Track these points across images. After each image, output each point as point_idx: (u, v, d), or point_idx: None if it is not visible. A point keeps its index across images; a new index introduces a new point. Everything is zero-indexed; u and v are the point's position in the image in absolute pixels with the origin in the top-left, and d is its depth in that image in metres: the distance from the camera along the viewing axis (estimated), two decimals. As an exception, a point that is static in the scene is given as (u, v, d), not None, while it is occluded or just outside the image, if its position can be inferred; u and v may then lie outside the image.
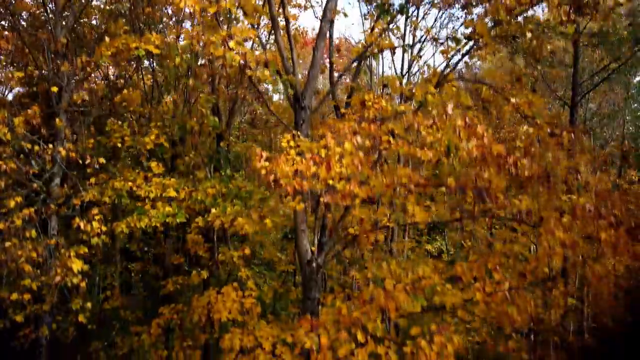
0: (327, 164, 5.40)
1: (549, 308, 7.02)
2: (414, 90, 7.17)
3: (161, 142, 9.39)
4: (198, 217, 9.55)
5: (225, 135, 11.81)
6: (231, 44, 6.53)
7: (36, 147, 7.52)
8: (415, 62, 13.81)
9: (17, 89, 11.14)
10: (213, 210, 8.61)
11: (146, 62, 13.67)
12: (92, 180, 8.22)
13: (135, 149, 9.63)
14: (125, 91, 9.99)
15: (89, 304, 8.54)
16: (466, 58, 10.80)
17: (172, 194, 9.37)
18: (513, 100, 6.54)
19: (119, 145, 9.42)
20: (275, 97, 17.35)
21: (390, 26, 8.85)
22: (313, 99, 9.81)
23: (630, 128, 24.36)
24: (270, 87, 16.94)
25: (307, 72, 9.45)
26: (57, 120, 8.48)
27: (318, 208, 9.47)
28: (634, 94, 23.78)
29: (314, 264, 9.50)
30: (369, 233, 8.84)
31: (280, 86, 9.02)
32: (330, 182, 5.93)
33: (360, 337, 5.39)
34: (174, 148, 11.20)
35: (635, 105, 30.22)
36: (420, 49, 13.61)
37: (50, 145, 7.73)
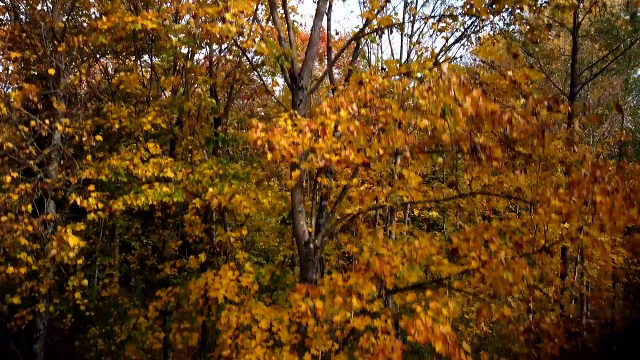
0: (323, 130, 5.39)
1: (546, 279, 7.00)
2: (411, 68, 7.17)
3: (159, 122, 9.37)
4: (195, 199, 9.54)
5: (223, 120, 11.80)
6: (227, 15, 6.52)
7: (32, 122, 7.50)
8: (413, 49, 13.81)
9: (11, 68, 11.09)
10: (210, 190, 8.59)
11: (146, 57, 13.73)
12: (89, 157, 8.20)
13: (132, 129, 9.59)
14: (122, 73, 9.98)
15: (85, 281, 8.51)
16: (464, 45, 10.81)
17: (170, 174, 9.36)
18: (510, 73, 6.52)
19: (116, 126, 9.40)
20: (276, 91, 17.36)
21: (389, 5, 8.83)
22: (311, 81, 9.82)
23: (629, 119, 24.37)
24: (269, 79, 16.99)
25: (304, 53, 9.46)
26: (53, 99, 8.46)
27: (315, 189, 9.47)
28: (631, 85, 23.80)
29: (312, 245, 9.49)
30: (367, 212, 8.84)
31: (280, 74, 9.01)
32: (327, 155, 5.94)
33: (355, 302, 5.38)
34: (172, 133, 11.20)
35: (635, 102, 30.29)
36: (420, 36, 13.60)
37: (47, 121, 7.71)
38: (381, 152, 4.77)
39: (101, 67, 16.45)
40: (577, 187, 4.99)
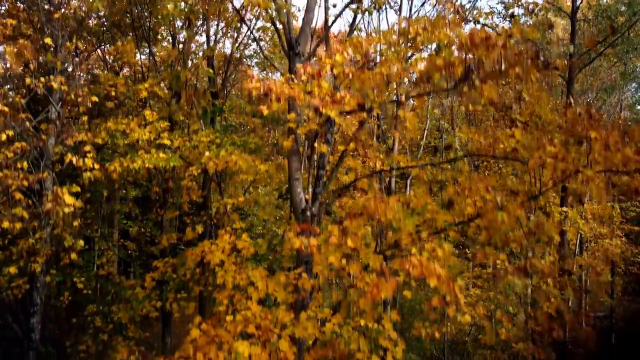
0: (318, 72, 5.38)
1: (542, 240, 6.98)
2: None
3: (156, 90, 9.35)
4: (192, 167, 9.54)
5: (220, 95, 11.79)
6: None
7: (27, 80, 7.48)
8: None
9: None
10: (207, 153, 8.57)
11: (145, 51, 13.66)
12: (84, 119, 8.17)
13: (129, 96, 9.58)
14: (119, 42, 9.96)
15: (80, 242, 8.49)
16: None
17: (166, 142, 9.36)
18: (504, 26, 6.49)
19: (113, 93, 9.38)
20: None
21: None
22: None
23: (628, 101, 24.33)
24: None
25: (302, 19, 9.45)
26: (48, 54, 8.45)
27: (312, 155, 9.47)
28: (629, 73, 23.76)
29: (308, 213, 9.47)
30: (364, 178, 8.83)
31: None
32: (324, 111, 5.93)
33: (350, 242, 5.37)
34: (169, 106, 11.18)
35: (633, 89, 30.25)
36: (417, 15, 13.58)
37: (42, 79, 7.69)
38: (377, 83, 4.76)
39: (100, 55, 16.42)
40: (572, 124, 4.98)
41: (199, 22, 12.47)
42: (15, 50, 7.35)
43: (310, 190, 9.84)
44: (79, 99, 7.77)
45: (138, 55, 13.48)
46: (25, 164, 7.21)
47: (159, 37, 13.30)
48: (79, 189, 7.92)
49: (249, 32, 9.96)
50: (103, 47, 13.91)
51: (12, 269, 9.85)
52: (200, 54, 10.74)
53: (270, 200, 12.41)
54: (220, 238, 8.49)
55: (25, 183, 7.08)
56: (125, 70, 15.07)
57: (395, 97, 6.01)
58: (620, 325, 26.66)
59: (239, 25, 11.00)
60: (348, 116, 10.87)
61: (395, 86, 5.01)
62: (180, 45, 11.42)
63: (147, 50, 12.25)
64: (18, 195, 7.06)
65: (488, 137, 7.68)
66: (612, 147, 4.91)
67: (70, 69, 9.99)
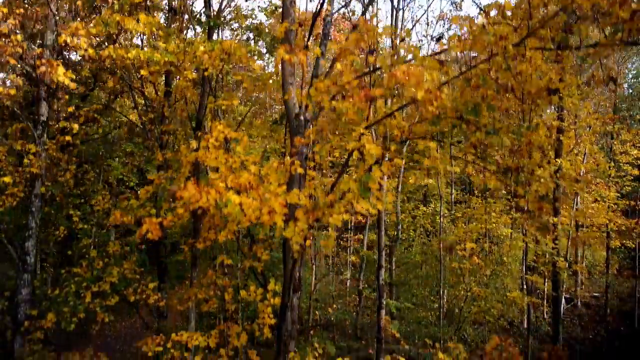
0: None
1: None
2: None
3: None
4: (187, 71, 9.58)
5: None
6: None
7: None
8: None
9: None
10: (201, 47, 8.61)
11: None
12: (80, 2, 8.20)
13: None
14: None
15: (75, 126, 8.51)
16: None
17: (161, 44, 9.40)
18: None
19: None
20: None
21: None
22: None
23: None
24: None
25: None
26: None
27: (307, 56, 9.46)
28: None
29: (302, 117, 9.55)
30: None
31: None
32: None
33: (346, 76, 5.39)
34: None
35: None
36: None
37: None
38: None
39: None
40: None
41: None
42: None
43: (304, 93, 9.90)
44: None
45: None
46: (20, 37, 7.25)
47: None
48: (73, 75, 7.96)
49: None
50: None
51: (7, 179, 9.91)
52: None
53: (264, 124, 12.46)
54: (214, 128, 8.53)
55: (20, 50, 7.12)
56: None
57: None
58: (615, 306, 26.94)
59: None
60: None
61: None
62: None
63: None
64: (12, 61, 7.09)
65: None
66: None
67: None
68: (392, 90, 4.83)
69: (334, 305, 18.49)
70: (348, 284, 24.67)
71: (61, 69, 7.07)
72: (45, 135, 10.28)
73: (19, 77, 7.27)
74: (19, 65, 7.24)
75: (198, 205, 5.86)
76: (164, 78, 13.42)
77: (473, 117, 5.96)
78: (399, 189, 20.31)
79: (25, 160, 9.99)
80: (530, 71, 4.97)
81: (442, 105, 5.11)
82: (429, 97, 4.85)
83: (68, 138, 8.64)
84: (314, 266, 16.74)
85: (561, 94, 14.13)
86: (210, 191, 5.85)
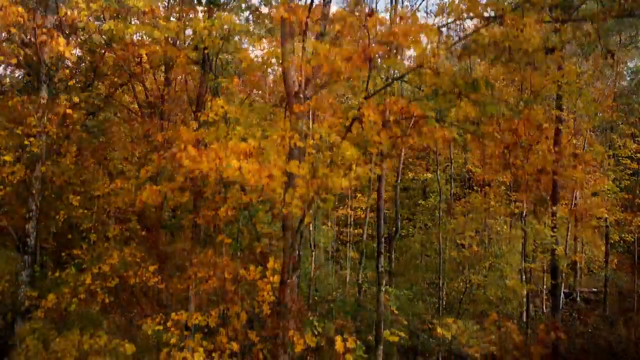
0: None
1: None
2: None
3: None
4: (186, 50, 9.63)
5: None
6: None
7: None
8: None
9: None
10: (201, 24, 8.66)
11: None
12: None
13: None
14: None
15: (75, 98, 8.55)
16: None
17: (162, 22, 9.46)
18: None
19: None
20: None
21: None
22: None
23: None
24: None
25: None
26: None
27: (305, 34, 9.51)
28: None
29: (301, 95, 9.58)
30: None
31: None
32: None
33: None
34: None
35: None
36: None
37: None
38: None
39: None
40: None
41: None
42: None
43: (303, 73, 9.94)
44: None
45: None
46: (20, 9, 7.28)
47: None
48: (71, 49, 8.00)
49: None
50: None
51: (8, 158, 9.96)
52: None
53: (265, 107, 12.50)
54: (214, 104, 8.59)
55: (21, 20, 7.15)
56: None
57: None
58: (613, 299, 26.96)
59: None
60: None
61: None
62: None
63: None
64: (13, 30, 7.13)
65: None
66: None
67: None
68: (390, 44, 4.87)
69: (334, 293, 18.54)
70: (347, 279, 24.74)
71: (62, 40, 7.10)
72: (45, 117, 10.33)
73: (20, 49, 7.30)
74: (20, 36, 7.26)
75: (198, 169, 5.89)
76: (163, 69, 13.50)
77: (472, 91, 6.01)
78: (398, 180, 20.38)
79: (26, 141, 10.04)
80: (527, 29, 5.02)
81: (441, 69, 5.14)
82: (427, 58, 4.89)
83: (70, 117, 8.65)
84: (313, 253, 16.78)
85: (560, 83, 14.21)
86: (210, 154, 5.89)
